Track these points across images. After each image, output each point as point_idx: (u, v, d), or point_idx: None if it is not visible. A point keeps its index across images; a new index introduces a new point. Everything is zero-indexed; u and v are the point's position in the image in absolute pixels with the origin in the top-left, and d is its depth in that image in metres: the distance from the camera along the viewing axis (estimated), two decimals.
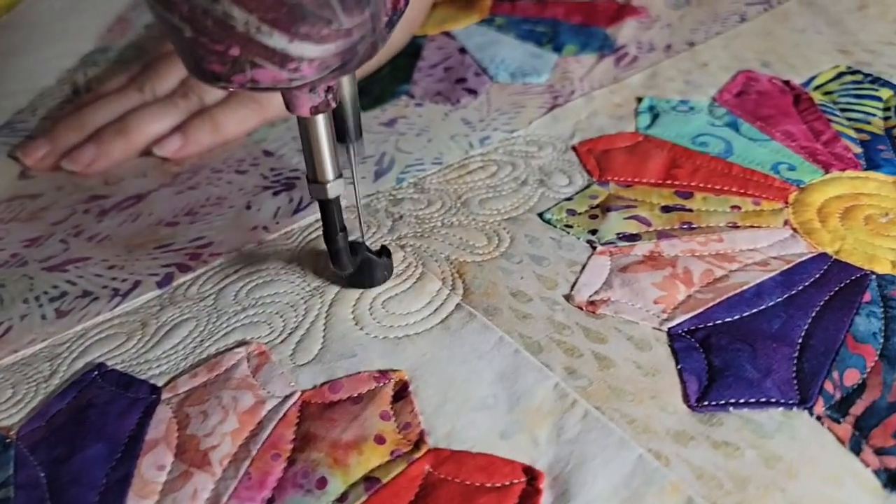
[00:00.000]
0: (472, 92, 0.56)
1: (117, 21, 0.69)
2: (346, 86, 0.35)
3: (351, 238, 0.37)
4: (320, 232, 0.43)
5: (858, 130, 0.48)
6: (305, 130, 0.33)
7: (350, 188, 0.38)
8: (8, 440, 0.33)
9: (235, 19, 0.26)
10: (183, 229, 0.46)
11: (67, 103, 0.59)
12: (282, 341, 0.36)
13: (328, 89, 0.31)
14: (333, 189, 0.35)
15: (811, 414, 0.31)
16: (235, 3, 0.26)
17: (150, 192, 0.50)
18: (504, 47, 0.61)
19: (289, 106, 0.32)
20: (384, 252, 0.38)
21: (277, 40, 0.27)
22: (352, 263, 0.37)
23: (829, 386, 0.32)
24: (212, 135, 0.53)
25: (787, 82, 0.53)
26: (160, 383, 0.35)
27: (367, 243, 0.41)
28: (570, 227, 0.42)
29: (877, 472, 0.29)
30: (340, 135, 0.36)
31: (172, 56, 0.56)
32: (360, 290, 0.39)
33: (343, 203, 0.36)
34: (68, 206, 0.50)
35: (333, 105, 0.32)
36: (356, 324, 0.37)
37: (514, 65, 0.58)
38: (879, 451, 0.29)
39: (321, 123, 0.33)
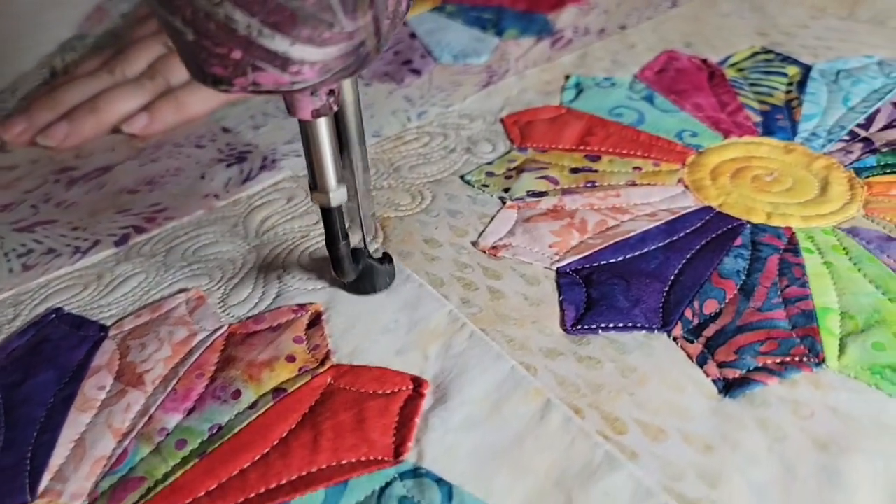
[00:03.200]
0: (417, 72, 0.60)
1: (95, 10, 0.74)
2: (348, 90, 0.35)
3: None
4: (265, 199, 0.48)
5: (762, 102, 0.52)
6: (307, 135, 0.33)
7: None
8: None
9: (237, 22, 0.26)
10: (142, 196, 0.50)
11: (44, 85, 0.63)
12: (218, 288, 0.41)
13: (330, 92, 0.31)
14: (336, 197, 0.34)
15: (669, 335, 0.35)
16: (237, 7, 0.26)
17: (116, 165, 0.54)
18: (451, 32, 0.65)
19: (290, 109, 0.31)
20: (386, 259, 0.39)
21: (279, 43, 0.27)
22: (354, 271, 0.37)
23: (688, 313, 0.36)
24: (176, 113, 0.58)
25: (704, 61, 0.57)
26: (109, 324, 0.40)
27: (304, 209, 0.45)
28: (487, 186, 0.46)
29: (715, 381, 0.33)
30: (342, 140, 0.36)
31: (143, 41, 0.61)
32: (292, 245, 0.43)
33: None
34: (41, 176, 0.54)
35: (335, 108, 0.32)
36: (284, 270, 0.41)
37: (458, 47, 0.63)
38: (721, 365, 0.34)
39: (323, 127, 0.32)
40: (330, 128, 0.33)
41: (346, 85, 0.34)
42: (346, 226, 0.36)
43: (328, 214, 0.35)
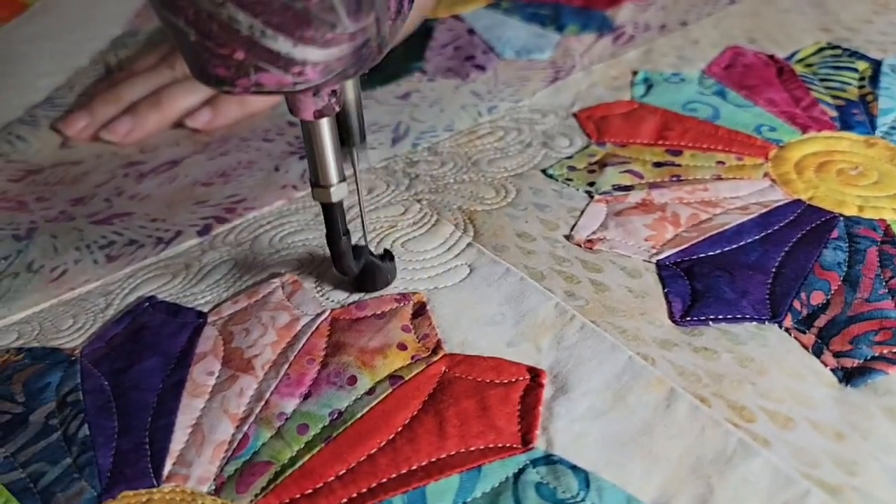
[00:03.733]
0: (481, 68, 0.60)
1: (144, 6, 0.74)
2: (350, 89, 0.35)
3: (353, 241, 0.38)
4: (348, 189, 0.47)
5: (835, 97, 0.52)
6: (309, 134, 0.33)
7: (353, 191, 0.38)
8: (73, 358, 0.38)
9: (240, 23, 0.26)
10: (217, 189, 0.50)
11: (101, 81, 0.63)
12: (311, 273, 0.41)
13: (332, 93, 0.31)
14: (337, 193, 0.34)
15: (780, 326, 0.35)
16: (240, 8, 0.26)
17: (185, 159, 0.54)
18: (510, 28, 0.65)
19: (292, 109, 0.31)
20: (387, 256, 0.39)
21: (282, 44, 0.27)
22: (355, 267, 0.38)
23: (797, 304, 0.36)
24: (239, 108, 0.58)
25: (771, 56, 0.58)
26: (204, 310, 0.40)
27: (387, 199, 0.45)
28: (571, 180, 0.46)
29: (834, 371, 0.33)
30: (343, 138, 0.36)
31: None
32: (381, 236, 0.43)
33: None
34: (108, 170, 0.54)
35: (337, 109, 0.32)
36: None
37: (520, 43, 0.63)
38: (837, 354, 0.34)
39: (325, 127, 0.33)
40: (332, 127, 0.33)
41: (348, 84, 0.34)
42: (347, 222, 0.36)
43: (329, 210, 0.35)
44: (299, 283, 0.39)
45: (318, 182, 0.34)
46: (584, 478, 0.29)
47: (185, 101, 0.57)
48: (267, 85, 0.28)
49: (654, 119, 0.51)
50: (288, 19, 0.26)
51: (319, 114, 0.31)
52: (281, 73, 0.28)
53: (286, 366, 0.35)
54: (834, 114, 0.50)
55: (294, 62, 0.27)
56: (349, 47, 0.28)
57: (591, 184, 0.45)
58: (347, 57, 0.28)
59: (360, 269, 0.38)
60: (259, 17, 0.26)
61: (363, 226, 0.38)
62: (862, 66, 0.55)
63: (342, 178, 0.34)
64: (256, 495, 0.30)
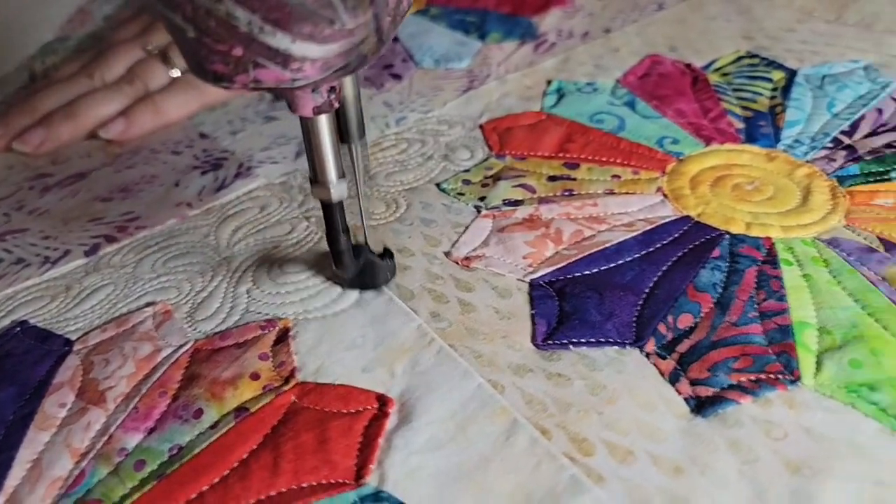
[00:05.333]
0: (397, 77, 0.59)
1: (77, 12, 0.73)
2: (349, 86, 0.35)
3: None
4: (238, 208, 0.47)
5: (745, 108, 0.51)
6: (308, 131, 0.33)
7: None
8: None
9: (238, 19, 0.26)
10: (115, 204, 0.50)
11: (24, 89, 0.63)
12: (186, 301, 0.40)
13: (331, 89, 0.31)
14: (337, 191, 0.34)
15: (641, 351, 0.35)
16: (238, 4, 0.26)
17: (92, 171, 0.54)
18: (434, 35, 0.64)
19: (292, 106, 0.31)
20: (387, 254, 0.39)
21: (280, 40, 0.27)
22: (354, 266, 0.37)
23: (662, 328, 0.36)
24: (154, 118, 0.57)
25: (688, 65, 0.57)
26: (74, 337, 0.39)
27: (277, 218, 0.44)
28: (463, 194, 0.45)
29: (687, 400, 0.32)
30: (343, 135, 0.36)
31: (122, 45, 0.60)
32: (262, 256, 0.42)
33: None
34: (15, 183, 0.53)
35: (336, 105, 0.32)
36: (254, 284, 0.40)
37: (441, 51, 0.62)
38: (694, 382, 0.33)
39: (324, 124, 0.32)
40: (331, 124, 0.33)
41: (347, 81, 0.34)
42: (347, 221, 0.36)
43: (329, 209, 0.35)
44: (170, 312, 0.39)
45: (317, 179, 0.34)
46: None
47: (100, 110, 0.57)
48: (265, 81, 0.28)
49: (559, 131, 0.50)
50: (286, 15, 0.26)
51: (318, 110, 0.31)
52: (279, 70, 0.28)
53: (137, 398, 0.34)
54: (740, 125, 0.49)
55: (292, 58, 0.27)
56: (348, 43, 0.28)
57: (482, 198, 0.44)
58: (346, 53, 0.28)
59: (360, 267, 0.37)
60: (257, 13, 0.26)
61: (363, 223, 0.38)
62: (777, 75, 0.54)
63: (342, 176, 0.34)
64: None
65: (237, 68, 0.28)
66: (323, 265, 0.40)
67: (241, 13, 0.26)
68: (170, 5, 0.26)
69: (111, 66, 0.60)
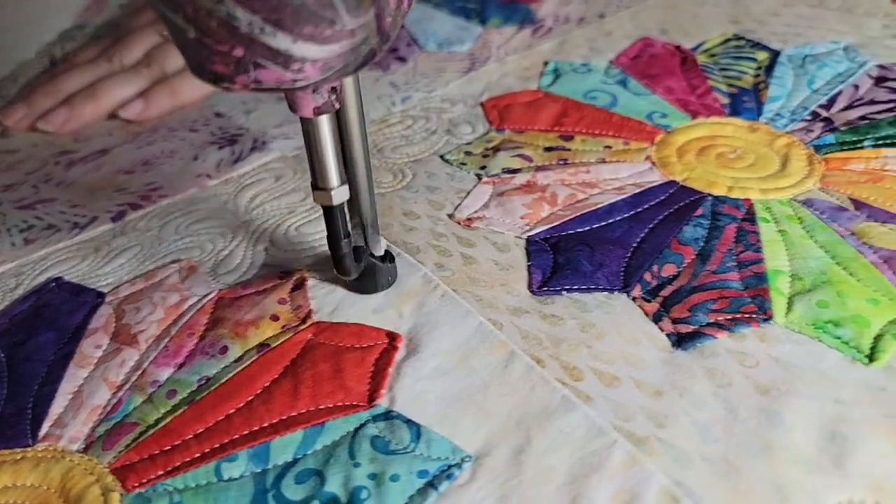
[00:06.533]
0: (402, 59, 0.63)
1: (94, 0, 0.76)
2: (350, 87, 0.35)
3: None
4: (255, 179, 0.50)
5: (730, 85, 0.55)
6: (308, 132, 0.33)
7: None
8: None
9: (239, 20, 0.26)
10: (138, 177, 0.53)
11: (44, 73, 0.66)
12: (209, 259, 0.43)
13: (332, 90, 0.31)
14: (338, 195, 0.34)
15: (628, 296, 0.38)
16: (239, 4, 0.25)
17: (114, 148, 0.57)
18: (436, 21, 0.68)
19: (292, 107, 0.31)
20: (388, 257, 0.39)
21: (281, 41, 0.27)
22: (356, 269, 0.37)
23: (647, 276, 0.39)
24: (171, 99, 0.60)
25: (678, 47, 0.60)
26: (105, 291, 0.42)
27: (292, 187, 0.47)
28: (465, 164, 0.49)
29: (669, 336, 0.36)
30: (343, 136, 0.36)
31: (140, 31, 0.64)
32: (279, 220, 0.45)
33: None
34: (41, 159, 0.57)
35: (337, 106, 0.32)
36: (272, 244, 0.44)
37: (443, 36, 0.65)
38: (675, 321, 0.36)
39: (325, 125, 0.32)
40: (332, 125, 0.33)
41: (348, 82, 0.34)
42: (348, 224, 0.36)
43: (330, 213, 0.35)
44: (195, 267, 0.42)
45: (317, 185, 0.34)
46: (417, 431, 0.32)
47: (119, 92, 0.60)
48: (266, 82, 0.28)
49: (555, 107, 0.54)
50: (287, 16, 0.26)
51: (319, 111, 0.31)
52: (280, 70, 0.28)
53: (167, 339, 0.37)
54: (726, 101, 0.53)
55: (293, 59, 0.27)
56: (349, 44, 0.28)
57: (483, 167, 0.48)
58: (347, 54, 0.28)
59: (361, 271, 0.38)
60: (258, 13, 0.26)
61: (363, 226, 0.38)
62: (761, 56, 0.58)
63: (343, 181, 0.34)
64: (120, 452, 0.32)
65: (238, 69, 0.27)
66: None
67: (241, 14, 0.26)
68: (171, 6, 0.26)
69: (129, 50, 0.63)
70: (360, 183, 0.37)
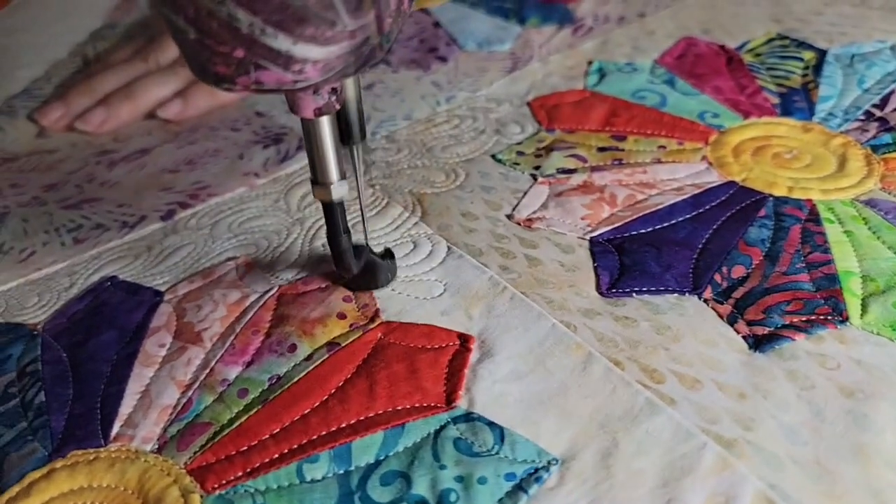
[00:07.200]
0: (443, 59, 0.62)
1: (123, 0, 0.76)
2: (350, 87, 0.35)
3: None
4: (304, 177, 0.50)
5: (779, 85, 0.54)
6: (309, 132, 0.33)
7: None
8: (35, 332, 0.40)
9: (240, 21, 0.26)
10: (183, 175, 0.52)
11: (78, 73, 0.66)
12: (265, 256, 0.43)
13: (332, 91, 0.31)
14: (337, 191, 0.34)
15: (700, 298, 0.37)
16: (240, 6, 0.26)
17: (155, 148, 0.56)
18: (474, 21, 0.68)
19: (293, 108, 0.31)
20: (388, 254, 0.39)
21: (282, 42, 0.27)
22: (355, 266, 0.37)
23: (718, 277, 0.38)
24: (210, 99, 0.60)
25: (722, 46, 0.60)
26: (162, 289, 0.42)
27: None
28: (518, 164, 0.48)
29: (745, 338, 0.35)
30: (344, 137, 0.36)
31: None
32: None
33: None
34: (81, 158, 0.56)
35: (337, 107, 0.32)
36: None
37: (482, 35, 0.65)
38: (750, 323, 0.36)
39: (325, 125, 0.33)
40: (332, 125, 0.33)
41: (348, 82, 0.34)
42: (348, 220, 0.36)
43: (330, 209, 0.35)
44: (252, 264, 0.42)
45: (317, 180, 0.34)
46: (500, 433, 0.31)
47: (157, 92, 0.59)
48: (267, 83, 0.28)
49: (604, 107, 0.53)
50: (288, 17, 0.26)
51: (319, 112, 0.31)
52: (281, 71, 0.28)
53: (232, 337, 0.37)
54: (776, 101, 0.52)
55: (294, 60, 0.27)
56: (349, 45, 0.28)
57: (537, 167, 0.47)
58: (347, 55, 0.28)
59: (361, 268, 0.38)
60: (259, 14, 0.26)
61: (364, 224, 0.39)
62: (808, 55, 0.57)
63: (343, 177, 0.34)
64: (195, 453, 0.32)
65: (238, 70, 0.28)
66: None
67: (242, 15, 0.26)
68: (172, 7, 0.27)
69: (165, 49, 0.63)
70: (360, 182, 0.38)
